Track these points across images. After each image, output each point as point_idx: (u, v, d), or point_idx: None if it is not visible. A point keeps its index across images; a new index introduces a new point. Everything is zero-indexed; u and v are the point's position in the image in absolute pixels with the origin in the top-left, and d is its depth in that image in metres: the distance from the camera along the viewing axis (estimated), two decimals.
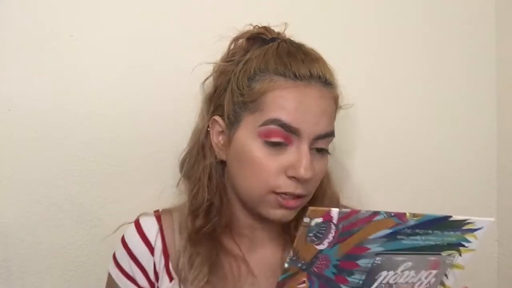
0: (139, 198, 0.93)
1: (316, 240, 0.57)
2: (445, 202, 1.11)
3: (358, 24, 1.08)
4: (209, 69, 0.88)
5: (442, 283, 0.67)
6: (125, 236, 0.84)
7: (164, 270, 0.81)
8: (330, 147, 0.80)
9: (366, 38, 1.08)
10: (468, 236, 0.64)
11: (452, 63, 1.13)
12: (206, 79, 0.88)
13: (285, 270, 0.58)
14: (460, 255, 0.65)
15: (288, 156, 0.75)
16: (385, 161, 1.10)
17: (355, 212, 0.57)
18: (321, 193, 0.83)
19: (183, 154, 0.88)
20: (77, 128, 0.94)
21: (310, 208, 0.56)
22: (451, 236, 0.63)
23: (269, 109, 0.75)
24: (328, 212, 0.56)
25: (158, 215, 0.85)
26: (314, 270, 0.59)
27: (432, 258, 0.64)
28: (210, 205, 0.81)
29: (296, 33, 0.85)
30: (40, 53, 0.92)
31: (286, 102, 0.74)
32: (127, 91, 0.96)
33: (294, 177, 0.74)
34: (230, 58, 0.85)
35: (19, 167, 0.92)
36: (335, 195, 0.89)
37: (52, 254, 0.94)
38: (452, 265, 0.66)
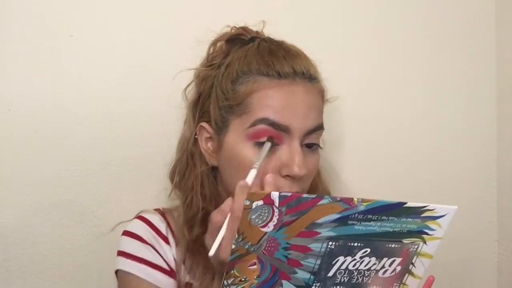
0: (139, 198, 0.93)
1: (260, 222, 0.58)
2: (445, 202, 1.11)
3: (355, 24, 1.08)
4: (190, 76, 0.88)
5: (409, 272, 0.66)
6: (130, 229, 0.82)
7: (182, 265, 0.80)
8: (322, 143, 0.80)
9: (366, 38, 1.08)
10: (430, 224, 0.63)
11: (452, 63, 1.13)
12: (188, 86, 0.88)
13: (233, 251, 0.59)
14: (425, 243, 0.65)
15: (280, 155, 0.74)
16: (385, 162, 1.09)
17: (297, 196, 0.57)
18: (312, 188, 0.83)
19: (172, 163, 0.87)
20: (77, 128, 0.94)
21: (249, 192, 0.57)
22: (410, 223, 0.62)
23: (256, 110, 0.74)
24: (269, 195, 0.57)
25: (162, 213, 0.84)
26: (263, 253, 0.60)
27: (393, 245, 0.63)
28: (206, 213, 0.79)
29: (275, 31, 0.85)
30: (40, 53, 0.92)
31: (273, 101, 0.74)
32: (127, 91, 0.96)
33: (288, 176, 0.74)
34: (210, 62, 0.84)
35: (19, 167, 0.92)
36: (326, 190, 0.90)
37: (52, 254, 0.94)
38: (418, 254, 0.65)
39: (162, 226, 0.82)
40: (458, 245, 1.10)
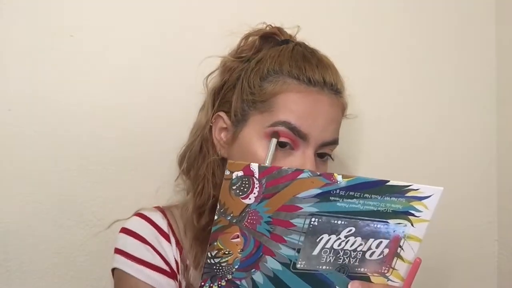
0: (139, 198, 0.93)
1: (241, 193, 0.58)
2: (445, 201, 1.11)
3: (358, 27, 1.08)
4: (212, 65, 0.87)
5: (398, 256, 0.66)
6: (128, 226, 0.80)
7: (183, 266, 0.80)
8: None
9: (366, 38, 1.08)
10: (416, 204, 0.63)
11: (452, 63, 1.13)
12: (211, 73, 0.87)
13: (215, 222, 0.59)
14: (412, 225, 0.64)
15: (293, 160, 0.74)
16: (384, 160, 1.10)
17: (277, 168, 0.58)
18: None
19: (183, 148, 0.86)
20: (77, 128, 0.94)
21: (229, 161, 0.58)
22: (394, 203, 0.62)
23: (279, 111, 0.74)
24: (248, 166, 0.57)
25: (162, 210, 0.84)
26: (246, 225, 0.60)
27: (379, 225, 0.63)
28: (216, 201, 0.80)
29: (307, 38, 0.85)
30: (40, 53, 0.92)
31: (298, 106, 0.74)
32: (127, 91, 0.96)
33: None
34: (239, 54, 0.84)
35: (19, 167, 0.92)
36: None
37: (52, 254, 0.94)
38: (406, 236, 0.65)
39: (163, 224, 0.82)
40: (458, 245, 1.11)
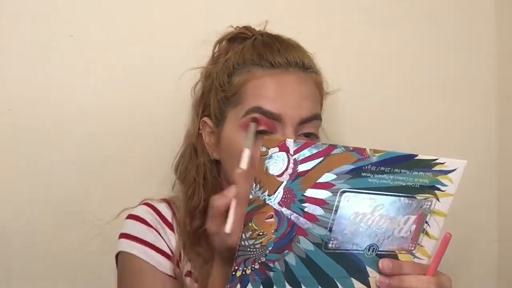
0: (139, 198, 0.93)
1: (276, 171, 0.58)
2: None
3: (355, 24, 1.08)
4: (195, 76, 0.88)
5: (424, 231, 0.66)
6: (135, 212, 0.83)
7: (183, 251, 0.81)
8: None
9: (366, 39, 1.08)
10: (442, 178, 0.64)
11: (452, 63, 1.13)
12: (196, 84, 0.89)
13: (250, 202, 0.58)
14: (438, 200, 0.65)
15: None
16: None
17: (311, 143, 0.58)
18: None
19: (177, 158, 0.88)
20: (77, 128, 0.94)
21: (265, 137, 0.58)
22: (422, 177, 0.62)
23: (249, 99, 0.76)
24: (284, 142, 0.57)
25: (168, 201, 0.85)
26: (280, 204, 0.59)
27: (407, 201, 0.63)
28: (206, 205, 0.79)
29: (279, 29, 0.86)
30: (40, 53, 0.92)
31: (266, 90, 0.75)
32: (127, 91, 0.96)
33: None
34: (215, 61, 0.86)
35: (19, 167, 0.92)
36: None
37: (52, 254, 0.94)
38: (432, 211, 0.65)
39: (168, 214, 0.83)
40: (458, 245, 1.10)
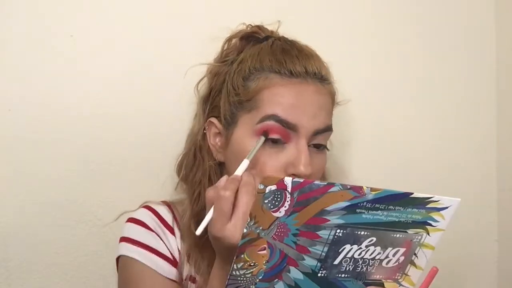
0: (139, 198, 0.93)
1: (272, 207, 0.58)
2: None
3: (356, 24, 1.08)
4: (203, 71, 0.88)
5: (412, 263, 0.68)
6: (135, 216, 0.82)
7: (185, 257, 0.81)
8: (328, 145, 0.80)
9: (366, 38, 1.08)
10: (434, 215, 0.65)
11: (452, 62, 1.13)
12: (200, 81, 0.88)
13: (244, 235, 0.59)
14: (428, 234, 0.66)
15: (287, 153, 0.74)
16: (384, 161, 1.10)
17: (309, 182, 0.58)
18: None
19: (180, 157, 0.87)
20: (78, 128, 0.94)
21: (264, 176, 0.58)
22: (415, 214, 0.63)
23: (265, 106, 0.75)
24: (282, 180, 0.57)
25: (168, 204, 0.85)
26: (273, 238, 0.60)
27: (398, 235, 0.64)
28: None
29: (290, 31, 0.85)
30: (40, 53, 0.92)
31: (283, 98, 0.75)
32: (127, 91, 0.96)
33: (294, 175, 0.74)
34: (224, 58, 0.85)
35: (19, 167, 0.92)
36: None
37: (52, 254, 0.94)
38: (421, 245, 0.66)
39: (168, 217, 0.83)
40: (458, 245, 1.10)
